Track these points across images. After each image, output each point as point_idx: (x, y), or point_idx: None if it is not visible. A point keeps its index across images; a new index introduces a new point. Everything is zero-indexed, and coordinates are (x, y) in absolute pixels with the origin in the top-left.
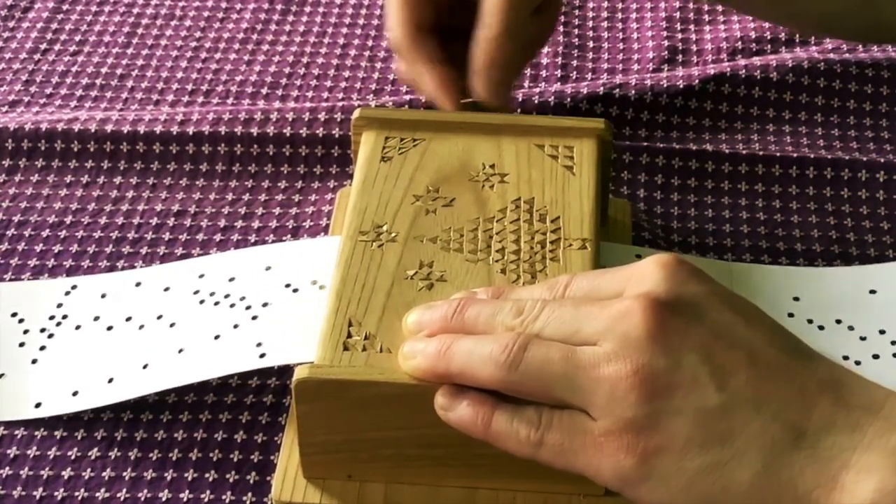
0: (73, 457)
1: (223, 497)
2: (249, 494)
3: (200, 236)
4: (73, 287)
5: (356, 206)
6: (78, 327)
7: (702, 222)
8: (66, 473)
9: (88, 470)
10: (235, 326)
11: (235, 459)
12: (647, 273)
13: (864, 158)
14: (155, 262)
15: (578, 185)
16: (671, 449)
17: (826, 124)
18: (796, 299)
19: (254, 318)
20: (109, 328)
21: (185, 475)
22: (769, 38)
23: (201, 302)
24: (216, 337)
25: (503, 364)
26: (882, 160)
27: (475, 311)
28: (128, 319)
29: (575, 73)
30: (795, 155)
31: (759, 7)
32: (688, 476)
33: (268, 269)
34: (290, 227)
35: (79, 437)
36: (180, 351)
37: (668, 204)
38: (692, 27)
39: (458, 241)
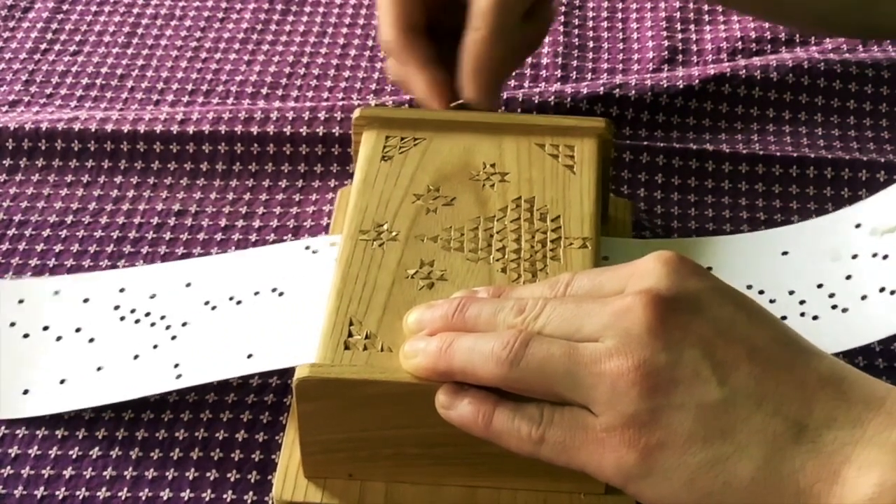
0: (74, 456)
1: (224, 496)
2: (251, 493)
3: (201, 236)
4: None
5: (357, 205)
6: None
7: (702, 221)
8: (68, 472)
9: (90, 469)
10: (155, 347)
11: (237, 458)
12: (649, 270)
13: (865, 158)
14: (156, 262)
15: (579, 184)
16: (673, 444)
17: (826, 124)
18: (708, 269)
19: (173, 338)
20: (25, 336)
21: (187, 474)
22: (769, 38)
23: (122, 319)
24: (135, 357)
25: (505, 361)
26: (882, 160)
27: (476, 309)
28: (45, 329)
29: (575, 73)
30: (796, 155)
31: (757, 6)
32: (690, 471)
33: (188, 285)
34: (291, 226)
35: (80, 437)
36: (99, 369)
37: (669, 203)
38: (692, 27)
39: (459, 241)
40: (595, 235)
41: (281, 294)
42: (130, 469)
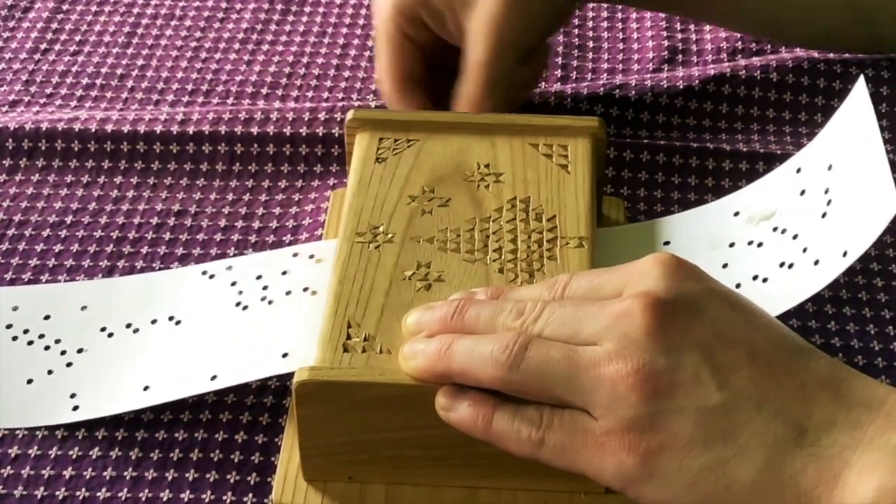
0: (74, 456)
1: (224, 497)
2: (250, 495)
3: (201, 236)
4: None
5: (352, 207)
6: None
7: None
8: (68, 473)
9: (90, 469)
10: (50, 372)
11: (236, 460)
12: (646, 271)
13: None
14: (156, 262)
15: (573, 183)
16: (674, 448)
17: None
18: None
19: (68, 364)
20: None
21: (186, 475)
22: None
23: (14, 338)
24: (29, 381)
25: (504, 364)
26: None
27: (475, 311)
28: None
29: (575, 73)
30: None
31: (756, 27)
32: (690, 475)
33: (83, 308)
34: (291, 226)
35: (80, 437)
36: None
37: (669, 202)
38: (692, 27)
39: (455, 242)
40: (591, 234)
41: (178, 322)
42: (130, 469)
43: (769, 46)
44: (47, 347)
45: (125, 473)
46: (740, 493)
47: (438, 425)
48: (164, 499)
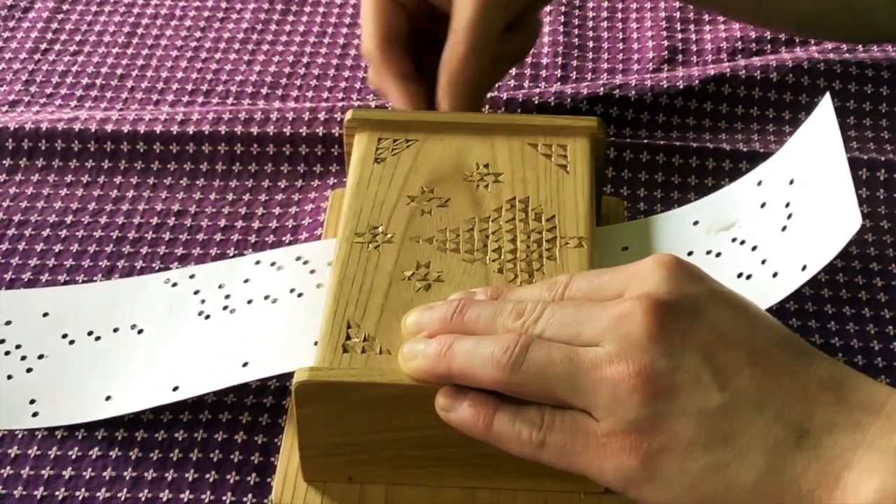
0: (73, 456)
1: (223, 498)
2: (250, 496)
3: (201, 236)
4: None
5: (351, 207)
6: None
7: None
8: (67, 473)
9: (89, 469)
10: (9, 377)
11: (236, 460)
12: (648, 273)
13: (865, 157)
14: (155, 262)
15: (573, 183)
16: (674, 450)
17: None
18: None
19: (29, 370)
20: None
21: (186, 475)
22: (769, 38)
23: None
24: None
25: (505, 365)
26: (882, 159)
27: (475, 312)
28: None
29: (575, 73)
30: None
31: (742, 10)
32: (691, 476)
33: (45, 315)
34: (290, 226)
35: (79, 437)
36: None
37: (669, 202)
38: (692, 27)
39: (455, 242)
40: (590, 234)
41: (140, 331)
42: (130, 470)
43: (769, 46)
44: (7, 353)
45: (125, 473)
46: (741, 495)
47: (438, 426)
48: (164, 499)
